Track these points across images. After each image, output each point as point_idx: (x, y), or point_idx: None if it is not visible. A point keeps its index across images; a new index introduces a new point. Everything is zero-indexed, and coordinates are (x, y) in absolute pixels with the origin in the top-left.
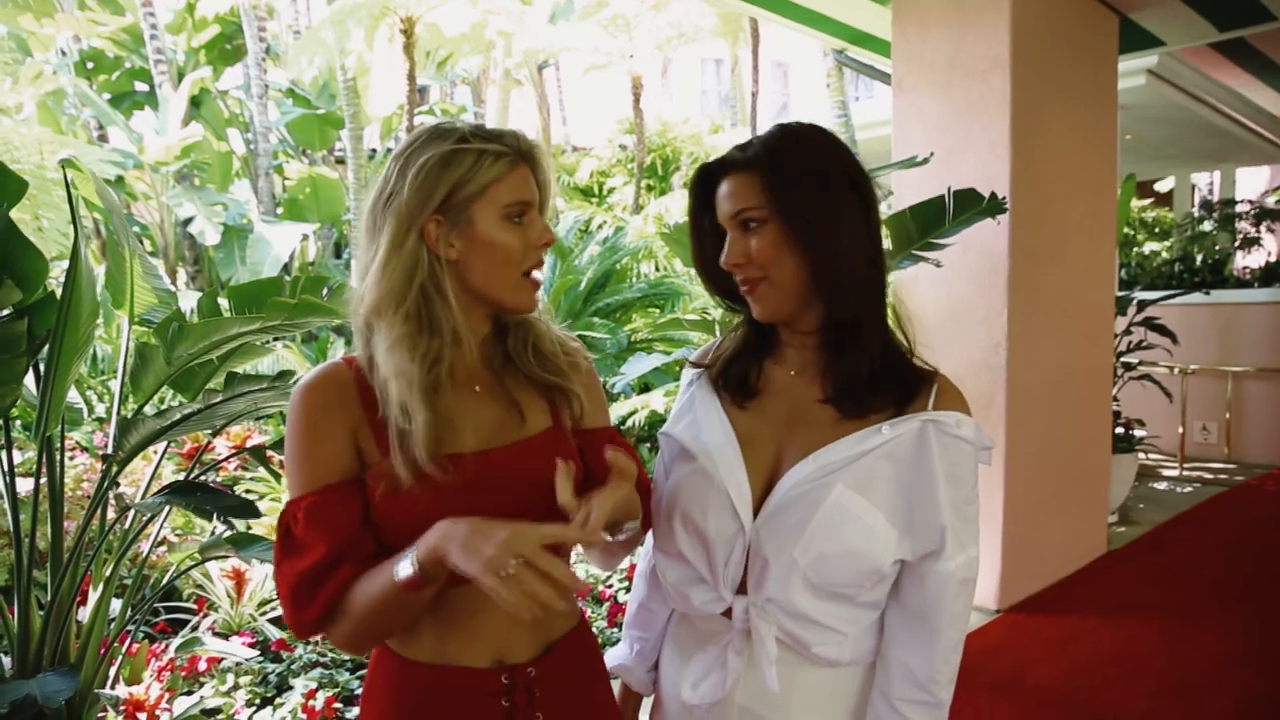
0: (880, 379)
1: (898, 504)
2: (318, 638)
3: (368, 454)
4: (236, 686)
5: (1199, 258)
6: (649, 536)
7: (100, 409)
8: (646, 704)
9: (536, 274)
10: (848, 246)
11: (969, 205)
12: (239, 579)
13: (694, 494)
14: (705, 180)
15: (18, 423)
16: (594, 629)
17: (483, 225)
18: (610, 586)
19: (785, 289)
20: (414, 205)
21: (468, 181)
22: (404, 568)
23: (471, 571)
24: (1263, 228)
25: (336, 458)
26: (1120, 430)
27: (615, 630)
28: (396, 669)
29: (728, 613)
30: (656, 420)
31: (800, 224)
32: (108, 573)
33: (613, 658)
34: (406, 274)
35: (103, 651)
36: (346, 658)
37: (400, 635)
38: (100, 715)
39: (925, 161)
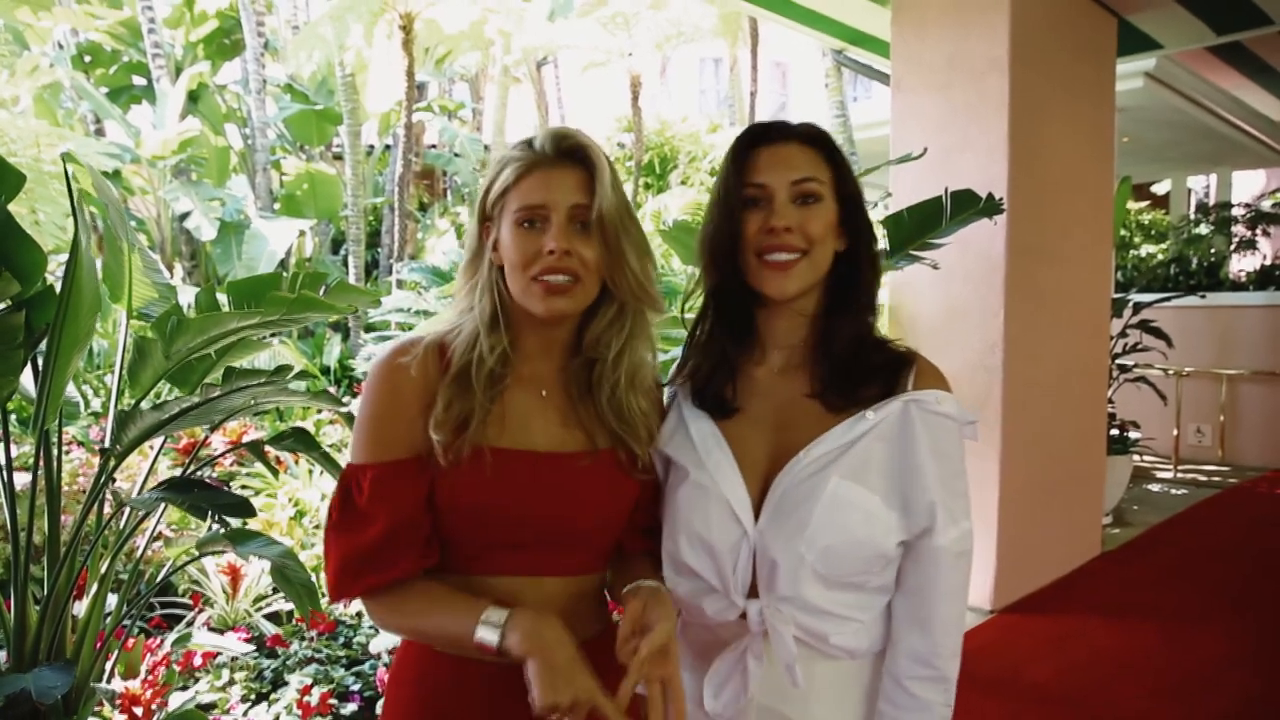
0: (866, 365)
1: (891, 485)
2: (312, 634)
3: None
4: (232, 682)
5: (1194, 260)
6: None
7: (96, 403)
8: None
9: (553, 279)
10: (871, 237)
11: (966, 206)
12: (234, 574)
13: (693, 506)
14: (752, 144)
15: (13, 417)
16: None
17: (503, 231)
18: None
19: (818, 270)
20: (476, 210)
21: (491, 189)
22: (487, 635)
23: (537, 697)
24: (1258, 231)
25: (409, 433)
26: (1115, 432)
27: None
28: (424, 658)
29: (740, 618)
30: None
31: (851, 208)
32: (104, 567)
33: None
34: (470, 270)
35: (99, 646)
36: (342, 653)
37: None
38: (96, 709)
39: (919, 156)
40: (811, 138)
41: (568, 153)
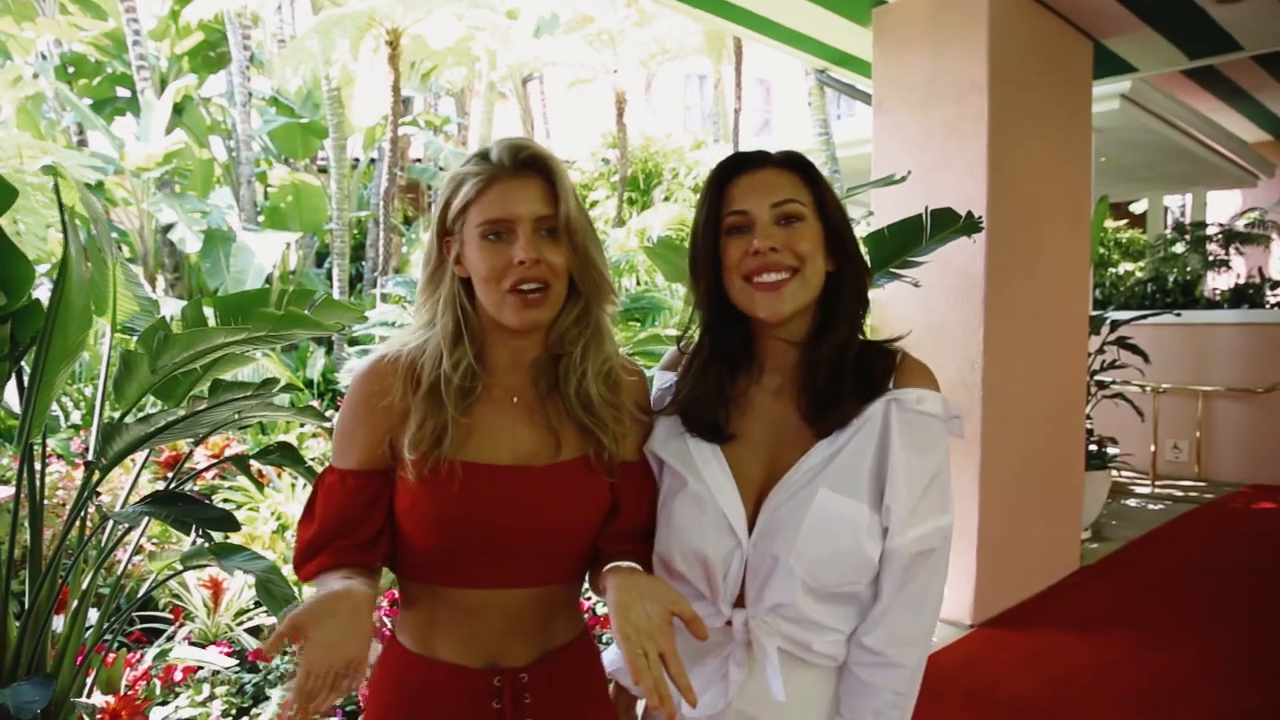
0: (851, 387)
1: (875, 487)
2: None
3: (399, 449)
4: (213, 696)
5: (1171, 279)
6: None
7: (75, 416)
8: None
9: (527, 288)
10: (858, 258)
11: (946, 224)
12: (216, 589)
13: (689, 515)
14: (730, 173)
15: None
16: None
17: (468, 245)
18: (589, 599)
19: (811, 289)
20: (434, 225)
21: (451, 205)
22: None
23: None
24: (1232, 250)
25: (368, 449)
26: (1093, 448)
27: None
28: (400, 657)
29: (726, 625)
30: None
31: (837, 227)
32: (85, 582)
33: (610, 661)
34: (432, 285)
35: (79, 661)
36: None
37: (406, 627)
38: None
39: (903, 179)
40: (790, 162)
41: (525, 163)
